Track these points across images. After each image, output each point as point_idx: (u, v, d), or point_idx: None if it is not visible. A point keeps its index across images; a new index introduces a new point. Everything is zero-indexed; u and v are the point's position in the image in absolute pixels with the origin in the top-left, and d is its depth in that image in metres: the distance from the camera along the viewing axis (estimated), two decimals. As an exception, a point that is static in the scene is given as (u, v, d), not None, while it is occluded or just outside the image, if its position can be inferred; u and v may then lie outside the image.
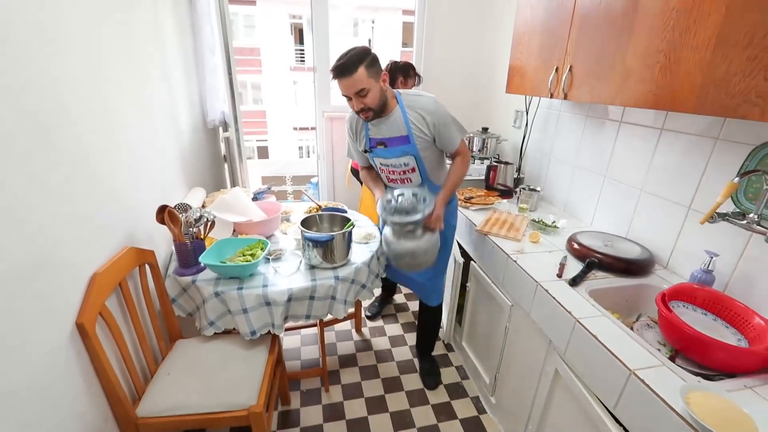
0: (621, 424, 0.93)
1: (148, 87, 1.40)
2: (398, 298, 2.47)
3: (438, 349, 2.04)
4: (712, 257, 1.14)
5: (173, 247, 1.45)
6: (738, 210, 1.10)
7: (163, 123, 1.53)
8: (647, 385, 0.84)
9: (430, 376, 1.84)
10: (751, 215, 1.02)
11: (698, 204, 1.23)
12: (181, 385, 1.18)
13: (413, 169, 1.48)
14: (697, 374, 0.90)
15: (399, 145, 1.43)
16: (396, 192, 1.39)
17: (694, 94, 0.94)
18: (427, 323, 1.86)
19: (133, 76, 1.28)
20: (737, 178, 0.95)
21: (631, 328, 1.12)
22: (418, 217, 1.31)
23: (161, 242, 1.45)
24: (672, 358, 0.98)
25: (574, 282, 1.22)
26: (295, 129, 12.21)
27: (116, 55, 1.17)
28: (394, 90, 1.44)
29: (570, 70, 1.39)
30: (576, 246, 1.40)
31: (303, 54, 11.70)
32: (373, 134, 1.46)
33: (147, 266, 1.26)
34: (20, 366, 0.76)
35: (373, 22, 11.53)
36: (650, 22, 1.05)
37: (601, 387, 0.98)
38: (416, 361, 1.96)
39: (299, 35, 11.65)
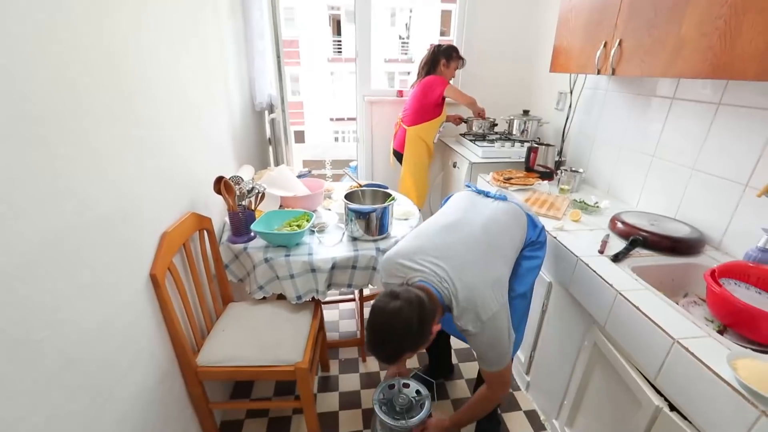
0: (662, 394, 0.93)
1: (209, 67, 1.51)
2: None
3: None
4: (769, 235, 1.09)
5: (226, 218, 1.58)
6: (801, 185, 1.04)
7: (220, 102, 1.64)
8: (692, 353, 0.83)
9: None
10: (815, 189, 0.97)
11: (756, 181, 1.17)
12: (234, 341, 1.30)
13: None
14: (747, 349, 0.88)
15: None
16: (403, 380, 1.28)
17: (756, 60, 0.91)
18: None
19: (198, 56, 1.39)
20: (800, 148, 0.91)
21: (677, 304, 1.10)
22: (401, 423, 1.17)
23: (215, 212, 1.57)
24: (720, 333, 0.96)
25: (617, 258, 1.21)
26: (331, 120, 12.43)
27: (186, 35, 1.28)
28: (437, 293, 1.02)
29: (619, 44, 1.36)
30: (620, 225, 1.38)
31: (340, 45, 11.84)
32: None
33: (205, 232, 1.38)
34: (113, 300, 0.89)
35: (410, 11, 11.45)
36: (709, -13, 1.01)
37: (642, 358, 0.98)
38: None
39: (337, 26, 11.79)
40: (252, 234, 1.47)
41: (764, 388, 0.70)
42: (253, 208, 1.50)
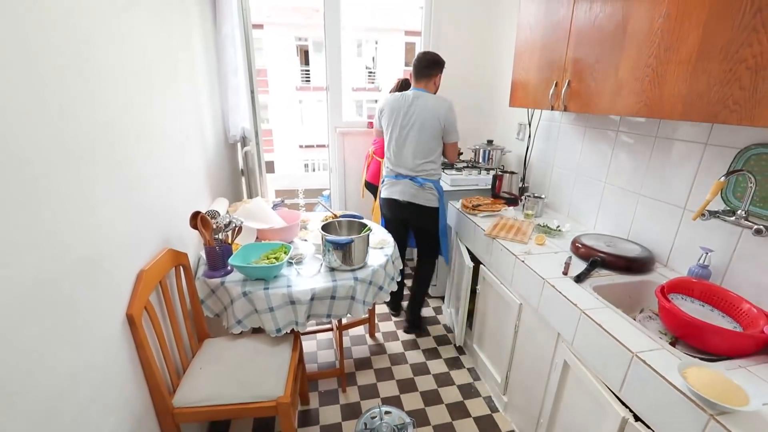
0: (626, 406, 1.01)
1: (182, 102, 1.54)
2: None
3: (449, 352, 2.11)
4: (707, 253, 1.23)
5: (202, 252, 1.56)
6: (728, 208, 1.19)
7: (193, 136, 1.66)
8: (648, 365, 0.92)
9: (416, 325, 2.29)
10: (739, 212, 1.12)
11: (692, 205, 1.32)
12: (212, 378, 1.27)
13: None
14: (696, 358, 0.98)
15: None
16: (385, 409, 1.41)
17: (680, 103, 1.05)
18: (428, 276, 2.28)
19: (171, 91, 1.42)
20: (723, 177, 1.05)
21: (634, 320, 1.20)
22: None
23: (190, 247, 1.55)
24: (672, 344, 1.06)
25: (579, 279, 1.31)
26: (300, 147, 12.47)
27: (159, 71, 1.31)
28: None
29: (568, 84, 1.51)
30: (580, 247, 1.49)
31: (309, 74, 12.07)
32: None
33: (182, 268, 1.37)
34: (84, 347, 0.86)
35: (376, 43, 11.92)
36: (638, 40, 1.17)
37: (607, 372, 1.06)
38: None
39: (305, 56, 12.05)
40: (229, 268, 1.47)
41: (711, 393, 0.78)
42: (229, 241, 1.50)
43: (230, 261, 1.41)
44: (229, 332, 1.43)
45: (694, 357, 0.98)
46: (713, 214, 1.17)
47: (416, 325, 2.31)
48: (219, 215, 1.50)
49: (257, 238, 1.70)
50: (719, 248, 1.23)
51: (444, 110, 1.97)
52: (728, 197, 1.20)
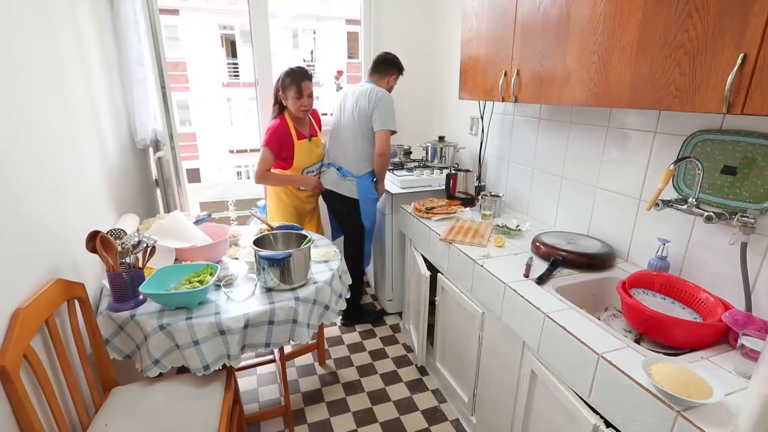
0: (597, 413, 1.05)
1: (70, 100, 1.41)
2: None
3: (411, 374, 2.11)
4: (664, 244, 1.33)
5: (105, 281, 1.44)
6: (680, 196, 1.31)
7: (88, 142, 1.53)
8: (614, 366, 0.97)
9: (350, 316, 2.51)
10: (690, 200, 1.23)
11: (647, 195, 1.44)
12: (122, 436, 1.16)
13: None
14: (660, 353, 1.05)
15: None
16: None
17: (626, 90, 1.14)
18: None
19: (53, 87, 1.30)
20: (672, 165, 1.15)
21: (599, 319, 1.27)
22: None
23: (90, 276, 1.42)
24: (637, 341, 1.13)
25: (541, 280, 1.37)
26: (231, 152, 12.07)
27: (35, 62, 1.19)
28: None
29: (518, 73, 1.59)
30: (540, 246, 1.56)
31: (237, 68, 11.74)
32: None
33: (76, 302, 1.24)
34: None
35: (314, 33, 11.90)
36: (582, 26, 1.26)
37: (575, 378, 1.11)
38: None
39: (231, 48, 11.73)
40: (141, 297, 1.36)
41: (675, 388, 0.84)
42: (140, 265, 1.40)
43: (142, 289, 1.31)
44: (144, 376, 1.31)
45: (658, 352, 1.06)
46: (666, 203, 1.27)
47: (350, 314, 2.50)
48: (125, 234, 1.39)
49: (176, 259, 1.61)
50: (675, 238, 1.35)
51: (376, 95, 2.10)
52: (679, 185, 1.32)
